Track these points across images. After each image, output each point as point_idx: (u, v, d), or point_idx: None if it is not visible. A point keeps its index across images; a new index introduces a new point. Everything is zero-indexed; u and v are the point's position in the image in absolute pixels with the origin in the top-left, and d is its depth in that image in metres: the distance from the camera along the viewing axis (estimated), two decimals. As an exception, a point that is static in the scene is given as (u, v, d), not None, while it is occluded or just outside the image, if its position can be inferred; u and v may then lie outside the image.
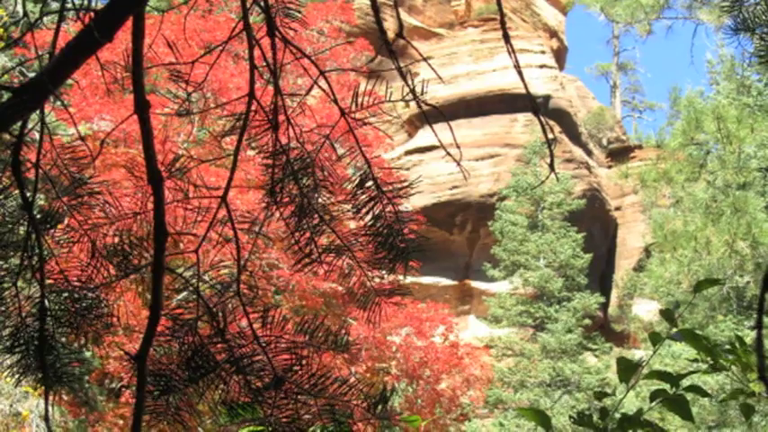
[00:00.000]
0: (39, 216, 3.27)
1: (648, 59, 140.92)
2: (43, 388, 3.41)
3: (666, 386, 3.88)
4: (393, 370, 24.90)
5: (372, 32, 35.86)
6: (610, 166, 51.35)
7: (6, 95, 3.02)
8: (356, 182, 3.30)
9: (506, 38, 3.34)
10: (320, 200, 3.35)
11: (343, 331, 3.23)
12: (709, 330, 23.63)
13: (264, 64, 3.24)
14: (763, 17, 3.28)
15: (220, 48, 3.58)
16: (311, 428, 3.08)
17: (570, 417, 3.95)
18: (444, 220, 43.26)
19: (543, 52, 50.04)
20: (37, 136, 3.28)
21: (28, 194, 3.21)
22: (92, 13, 2.96)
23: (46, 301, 3.27)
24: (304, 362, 3.12)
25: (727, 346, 4.06)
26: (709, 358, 4.02)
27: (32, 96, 3.02)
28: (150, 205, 3.13)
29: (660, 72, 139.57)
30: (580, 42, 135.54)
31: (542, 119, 3.55)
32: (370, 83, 3.21)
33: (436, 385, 25.80)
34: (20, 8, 18.24)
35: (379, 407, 3.07)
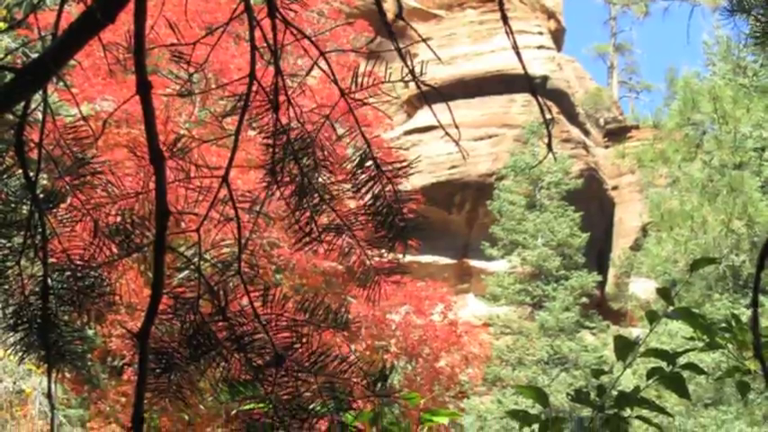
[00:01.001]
0: (42, 195, 3.29)
1: (645, 40, 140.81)
2: (46, 366, 3.43)
3: (663, 364, 3.92)
4: (392, 348, 24.97)
5: (372, 14, 35.72)
6: (607, 146, 51.32)
7: (10, 76, 3.04)
8: (356, 162, 3.32)
9: (505, 19, 3.36)
10: (320, 179, 3.36)
11: (343, 309, 3.25)
12: (706, 309, 23.67)
13: (265, 45, 3.25)
14: (759, -2, 3.30)
15: (221, 29, 3.59)
16: (311, 405, 3.10)
17: (568, 394, 3.99)
18: (443, 199, 43.24)
19: (541, 33, 49.91)
20: (40, 116, 3.30)
21: (31, 174, 3.23)
22: (94, -5, 2.98)
23: (49, 280, 3.29)
24: (304, 340, 3.14)
25: (723, 325, 4.10)
26: (705, 336, 4.05)
27: (35, 77, 3.04)
28: (152, 185, 3.13)
29: (657, 53, 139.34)
30: (577, 23, 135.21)
31: (540, 99, 3.58)
32: (369, 63, 3.23)
33: (435, 363, 25.86)
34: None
35: (379, 384, 3.09)
